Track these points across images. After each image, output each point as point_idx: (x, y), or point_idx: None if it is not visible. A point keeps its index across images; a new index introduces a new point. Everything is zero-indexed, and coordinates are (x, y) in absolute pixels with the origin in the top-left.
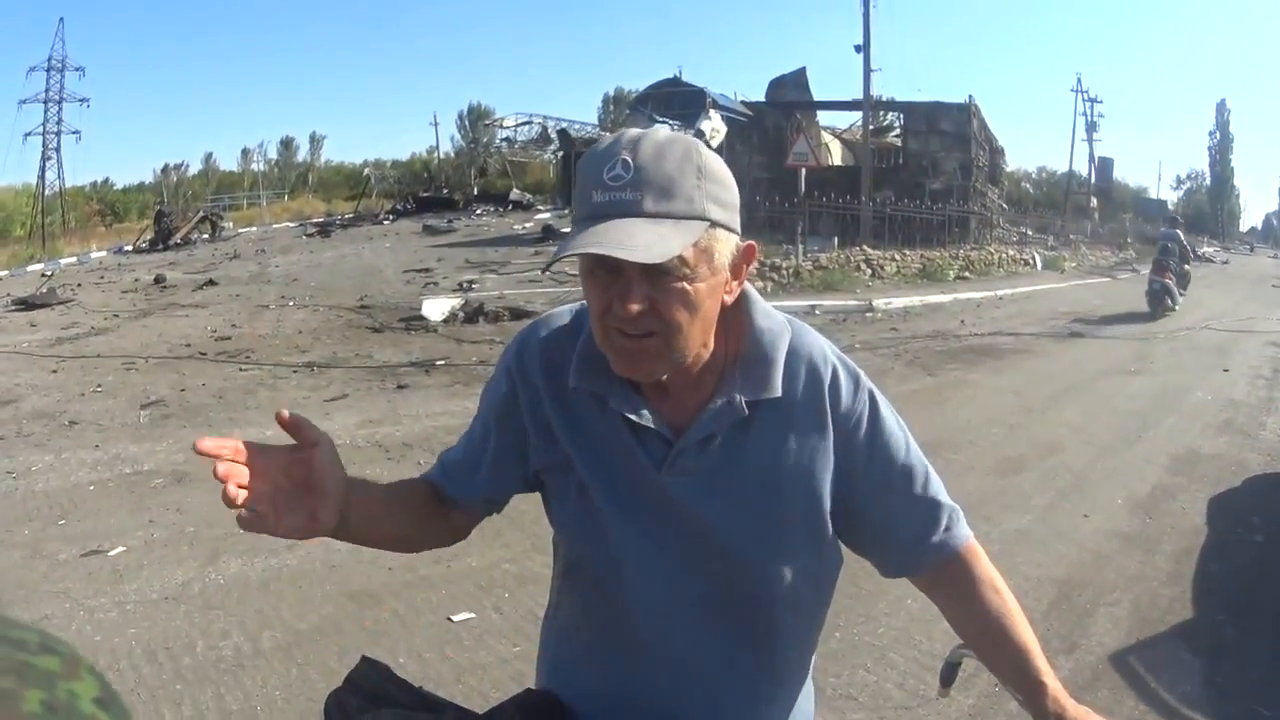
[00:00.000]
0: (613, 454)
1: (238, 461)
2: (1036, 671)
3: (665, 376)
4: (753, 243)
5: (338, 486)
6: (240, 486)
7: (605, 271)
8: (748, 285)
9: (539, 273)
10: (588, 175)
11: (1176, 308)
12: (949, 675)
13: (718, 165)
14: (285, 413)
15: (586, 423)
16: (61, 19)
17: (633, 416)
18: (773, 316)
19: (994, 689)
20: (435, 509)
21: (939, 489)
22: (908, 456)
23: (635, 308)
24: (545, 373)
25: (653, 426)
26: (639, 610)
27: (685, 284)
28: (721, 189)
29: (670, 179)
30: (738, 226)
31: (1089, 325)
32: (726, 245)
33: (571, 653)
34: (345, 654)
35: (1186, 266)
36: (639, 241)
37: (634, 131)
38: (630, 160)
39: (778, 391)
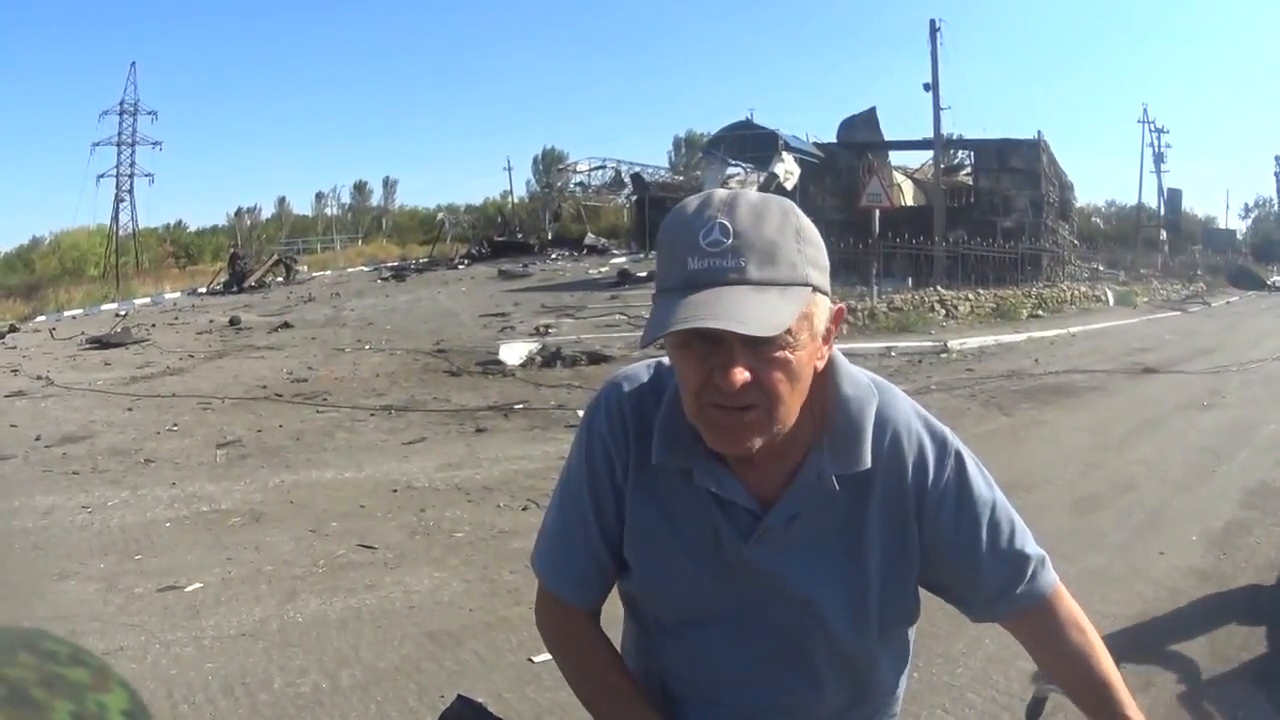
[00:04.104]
0: (698, 522)
1: None
2: (1120, 705)
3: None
4: (843, 305)
5: None
6: None
7: (702, 343)
8: (834, 347)
9: (637, 349)
10: (679, 240)
11: None
12: (1035, 710)
13: (811, 226)
14: None
15: (673, 488)
16: (134, 63)
17: (718, 492)
18: (858, 382)
19: None
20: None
21: (1025, 539)
22: (994, 514)
23: (740, 380)
24: (631, 435)
25: (739, 502)
26: (721, 666)
27: (789, 353)
28: (818, 252)
29: (773, 244)
30: (829, 289)
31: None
32: (824, 310)
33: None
34: (425, 693)
35: None
36: (750, 313)
37: (723, 192)
38: (729, 224)
39: (867, 464)
